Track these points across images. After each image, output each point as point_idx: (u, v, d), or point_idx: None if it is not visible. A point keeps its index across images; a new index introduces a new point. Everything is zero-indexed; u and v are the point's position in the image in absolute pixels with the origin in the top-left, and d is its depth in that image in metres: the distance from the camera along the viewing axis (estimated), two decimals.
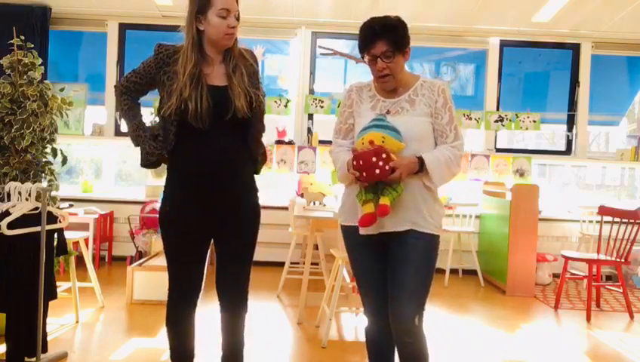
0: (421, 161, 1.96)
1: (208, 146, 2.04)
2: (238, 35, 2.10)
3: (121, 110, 2.20)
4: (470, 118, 5.78)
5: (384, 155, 1.88)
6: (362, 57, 2.06)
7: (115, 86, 2.22)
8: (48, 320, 2.93)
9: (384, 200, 1.92)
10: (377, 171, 1.88)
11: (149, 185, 5.60)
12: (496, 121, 5.81)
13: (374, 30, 1.97)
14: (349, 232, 2.12)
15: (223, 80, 2.08)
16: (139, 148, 2.15)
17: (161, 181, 2.20)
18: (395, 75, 2.02)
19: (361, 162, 1.90)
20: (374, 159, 1.88)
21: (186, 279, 2.18)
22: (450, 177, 2.02)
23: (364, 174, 1.89)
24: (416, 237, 2.00)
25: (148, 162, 2.13)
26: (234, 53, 2.10)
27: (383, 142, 1.91)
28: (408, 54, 2.05)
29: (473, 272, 5.47)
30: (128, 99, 2.18)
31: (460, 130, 2.08)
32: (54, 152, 4.14)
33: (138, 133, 2.14)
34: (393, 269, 2.03)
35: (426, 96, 2.04)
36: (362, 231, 2.03)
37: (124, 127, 5.92)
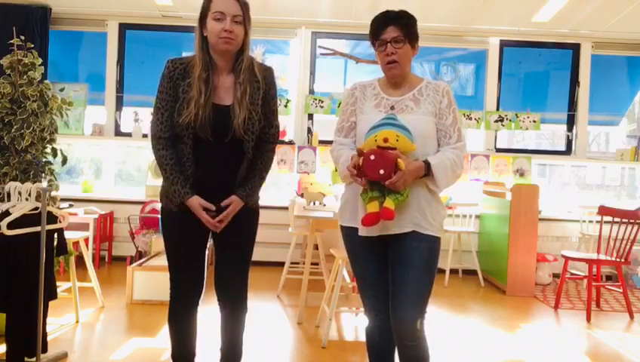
0: (427, 164, 1.96)
1: (214, 162, 2.06)
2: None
3: (163, 164, 2.05)
4: (470, 118, 5.78)
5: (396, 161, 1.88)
6: (373, 46, 2.08)
7: (154, 137, 2.06)
8: (48, 320, 2.93)
9: (389, 204, 1.90)
10: (382, 172, 1.86)
11: (149, 185, 5.59)
12: (496, 121, 5.81)
13: (387, 16, 2.03)
14: (350, 233, 2.12)
15: (228, 96, 2.06)
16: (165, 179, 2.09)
17: (161, 181, 2.18)
18: (402, 65, 2.03)
19: (376, 158, 1.87)
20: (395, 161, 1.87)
21: (187, 279, 2.19)
22: (454, 180, 2.03)
23: (382, 172, 1.86)
24: (418, 239, 2.00)
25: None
26: (243, 63, 2.05)
27: (397, 140, 1.89)
28: (417, 50, 2.08)
29: (473, 272, 5.48)
30: (173, 153, 2.04)
31: (463, 132, 2.08)
32: (54, 152, 4.14)
33: (177, 188, 2.05)
34: (395, 271, 2.02)
35: (431, 97, 2.06)
36: (363, 231, 2.01)
37: (124, 127, 5.93)
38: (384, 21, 2.02)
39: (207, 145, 2.03)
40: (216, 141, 2.03)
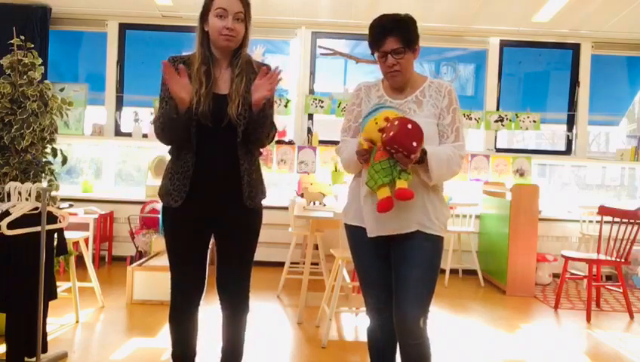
0: (423, 152, 1.91)
1: (214, 146, 2.06)
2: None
3: (159, 123, 2.05)
4: (470, 118, 5.78)
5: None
6: (372, 54, 2.06)
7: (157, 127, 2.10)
8: (48, 320, 2.93)
9: (403, 184, 1.85)
10: (415, 144, 1.79)
11: (149, 185, 5.59)
12: (496, 121, 5.82)
13: (385, 27, 1.98)
14: (354, 232, 2.12)
15: (226, 86, 2.08)
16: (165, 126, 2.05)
17: (161, 180, 2.18)
18: (405, 72, 2.02)
19: (409, 127, 1.79)
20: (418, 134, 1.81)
21: (188, 278, 2.18)
22: (448, 175, 1.98)
23: (415, 144, 1.78)
24: (422, 238, 2.00)
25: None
26: (241, 58, 2.09)
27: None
28: (418, 52, 2.04)
29: (473, 272, 5.48)
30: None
31: (463, 133, 2.05)
32: (54, 152, 4.13)
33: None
34: (398, 270, 2.03)
35: (433, 97, 2.04)
36: (373, 232, 2.00)
37: (124, 127, 5.93)
38: (382, 32, 1.98)
39: (208, 131, 2.05)
40: (215, 126, 2.05)
